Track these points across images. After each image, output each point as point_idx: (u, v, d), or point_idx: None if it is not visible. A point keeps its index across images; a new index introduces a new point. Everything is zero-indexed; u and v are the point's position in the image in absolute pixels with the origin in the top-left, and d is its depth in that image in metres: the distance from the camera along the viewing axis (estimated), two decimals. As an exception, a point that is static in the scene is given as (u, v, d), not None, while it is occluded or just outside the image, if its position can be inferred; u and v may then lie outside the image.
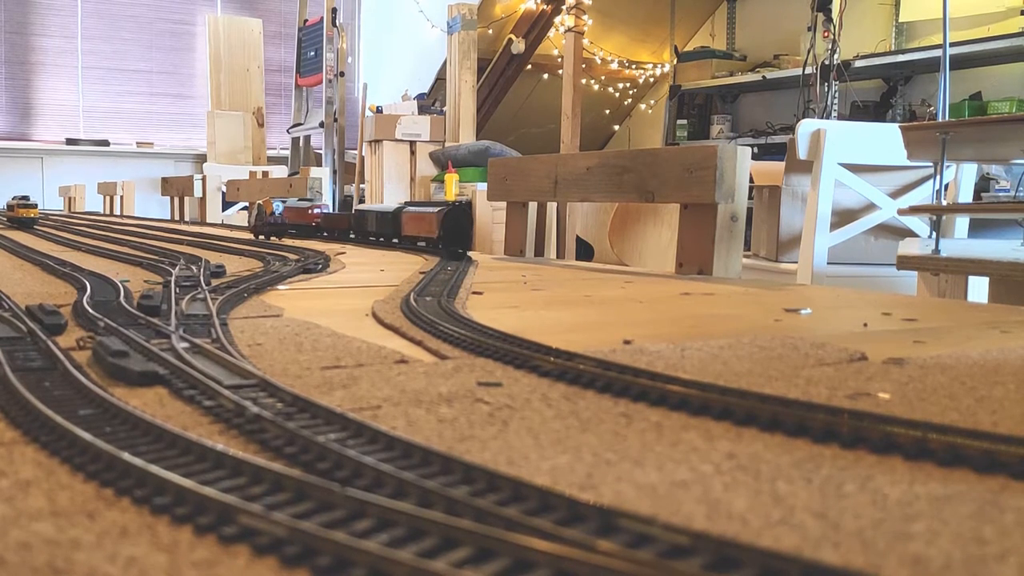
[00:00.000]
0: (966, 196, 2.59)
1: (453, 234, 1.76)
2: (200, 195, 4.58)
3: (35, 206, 2.96)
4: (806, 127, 2.52)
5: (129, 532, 0.35)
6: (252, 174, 5.71)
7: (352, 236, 2.18)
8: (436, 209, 1.84)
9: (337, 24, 6.23)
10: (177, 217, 4.88)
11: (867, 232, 2.65)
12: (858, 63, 5.11)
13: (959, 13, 4.45)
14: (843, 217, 2.59)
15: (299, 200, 2.46)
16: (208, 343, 0.70)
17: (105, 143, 7.12)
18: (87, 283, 1.08)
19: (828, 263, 2.50)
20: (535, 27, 6.07)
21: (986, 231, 2.94)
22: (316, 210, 2.25)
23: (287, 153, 7.08)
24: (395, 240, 1.99)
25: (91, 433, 0.45)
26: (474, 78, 5.79)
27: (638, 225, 3.22)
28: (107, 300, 0.97)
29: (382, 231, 2.03)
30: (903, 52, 5.12)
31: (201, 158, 7.07)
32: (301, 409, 0.51)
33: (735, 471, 0.44)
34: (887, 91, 5.38)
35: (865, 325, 0.97)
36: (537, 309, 1.10)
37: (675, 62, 6.58)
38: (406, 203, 1.82)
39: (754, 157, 2.12)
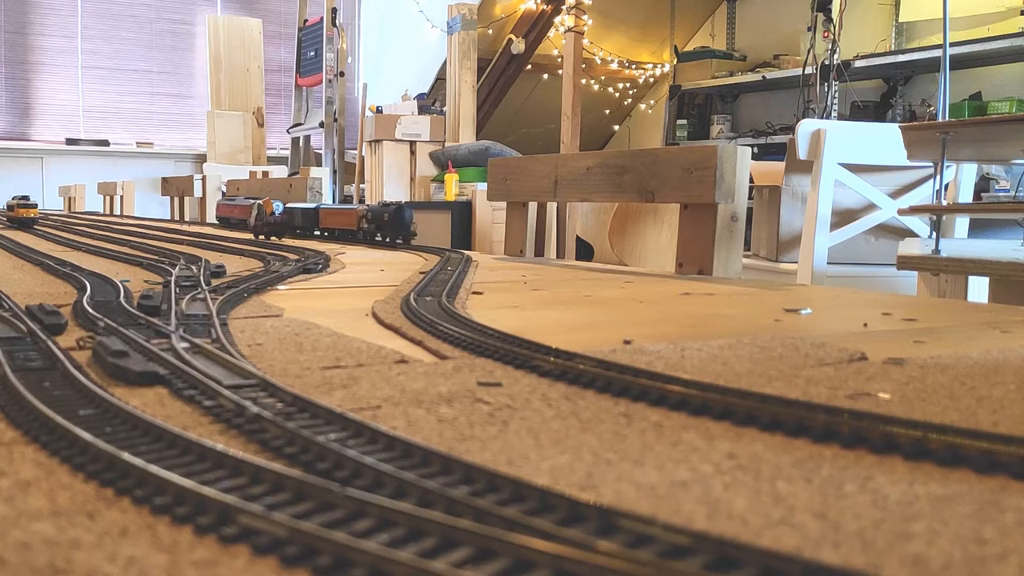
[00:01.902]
0: (966, 196, 2.59)
1: (392, 226, 2.12)
2: (200, 195, 4.58)
3: (35, 206, 2.96)
4: (806, 127, 2.52)
5: (129, 532, 0.35)
6: (252, 174, 5.71)
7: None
8: (357, 207, 2.28)
9: (337, 24, 6.23)
10: (177, 217, 4.88)
11: (867, 232, 2.65)
12: (858, 63, 5.11)
13: (959, 13, 4.45)
14: (843, 217, 2.59)
15: (244, 198, 3.03)
16: (208, 343, 0.70)
17: (105, 143, 7.12)
18: (87, 283, 1.08)
19: (828, 263, 2.50)
20: (535, 27, 6.07)
21: (986, 231, 2.94)
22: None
23: (287, 153, 7.08)
24: (316, 232, 2.43)
25: (91, 433, 0.45)
26: (474, 78, 5.79)
27: (638, 225, 3.22)
28: (107, 300, 0.97)
29: (306, 224, 2.46)
30: (903, 52, 5.12)
31: (201, 158, 7.07)
32: (301, 409, 0.51)
33: (735, 471, 0.44)
34: (887, 91, 5.38)
35: (865, 325, 0.97)
36: (537, 309, 1.10)
37: (675, 62, 6.58)
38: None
39: (754, 157, 2.12)
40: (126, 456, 0.41)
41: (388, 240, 2.13)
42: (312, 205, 2.45)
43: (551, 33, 6.03)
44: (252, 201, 2.78)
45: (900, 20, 5.34)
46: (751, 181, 1.90)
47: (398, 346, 0.78)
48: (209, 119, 6.97)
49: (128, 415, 0.49)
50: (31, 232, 2.66)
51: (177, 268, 1.31)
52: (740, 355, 0.74)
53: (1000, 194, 4.15)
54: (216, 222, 3.22)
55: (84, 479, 0.41)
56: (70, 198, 6.10)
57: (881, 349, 0.78)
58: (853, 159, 2.51)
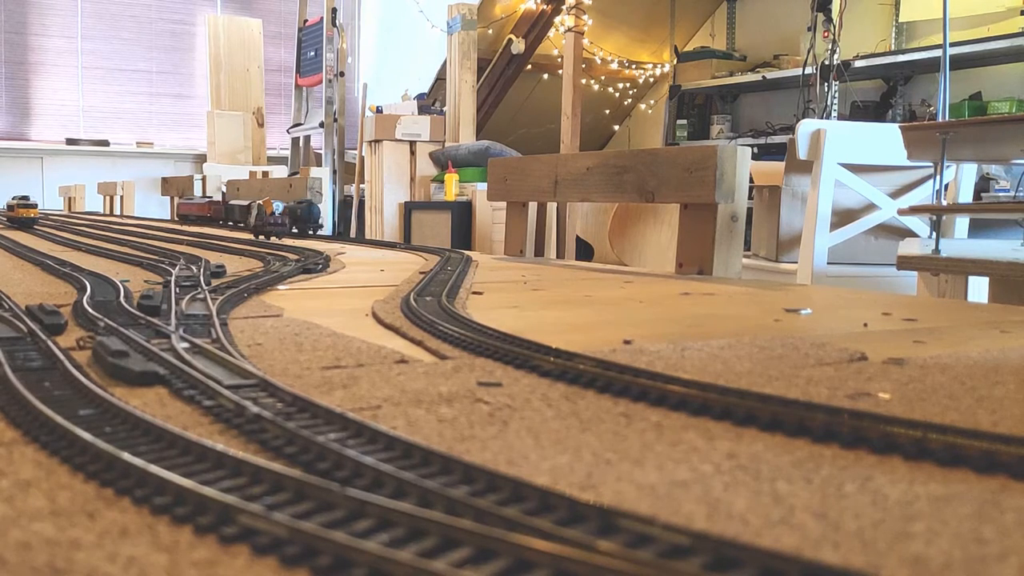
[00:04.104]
0: (966, 196, 2.59)
1: (304, 220, 2.43)
2: (200, 195, 4.58)
3: (35, 206, 2.96)
4: (806, 127, 2.52)
5: (129, 532, 0.35)
6: (252, 174, 5.71)
7: (225, 222, 3.08)
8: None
9: (337, 24, 6.22)
10: (177, 217, 4.88)
11: (867, 232, 2.65)
12: (858, 63, 5.11)
13: (959, 13, 4.45)
14: (843, 217, 2.59)
15: (201, 197, 3.67)
16: (208, 343, 0.70)
17: (105, 143, 7.12)
18: (87, 283, 1.08)
19: (828, 263, 2.50)
20: (535, 27, 6.07)
21: (986, 231, 2.94)
22: (209, 203, 3.24)
23: (287, 153, 7.08)
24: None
25: (91, 433, 0.45)
26: (474, 78, 5.79)
27: (638, 225, 3.22)
28: (107, 300, 0.97)
29: (243, 218, 2.82)
30: (903, 52, 5.12)
31: (201, 158, 7.07)
32: (301, 409, 0.51)
33: (735, 471, 0.44)
34: (887, 91, 5.38)
35: (865, 325, 0.97)
36: (537, 309, 1.10)
37: (675, 62, 6.57)
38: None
39: (754, 157, 2.12)
40: (126, 456, 0.41)
41: (300, 231, 2.50)
42: (246, 202, 2.85)
43: (551, 33, 6.03)
44: (207, 199, 3.39)
45: (900, 20, 5.33)
46: (751, 181, 1.90)
47: (398, 346, 0.78)
48: (209, 119, 6.96)
49: (128, 415, 0.49)
50: (31, 232, 2.66)
51: (177, 268, 1.31)
52: (740, 355, 0.74)
53: (1000, 194, 4.15)
54: (178, 218, 3.76)
55: (84, 479, 0.41)
56: (70, 198, 6.09)
57: (881, 349, 0.78)
58: (853, 159, 2.51)
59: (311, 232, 2.50)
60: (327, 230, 5.30)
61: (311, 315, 0.95)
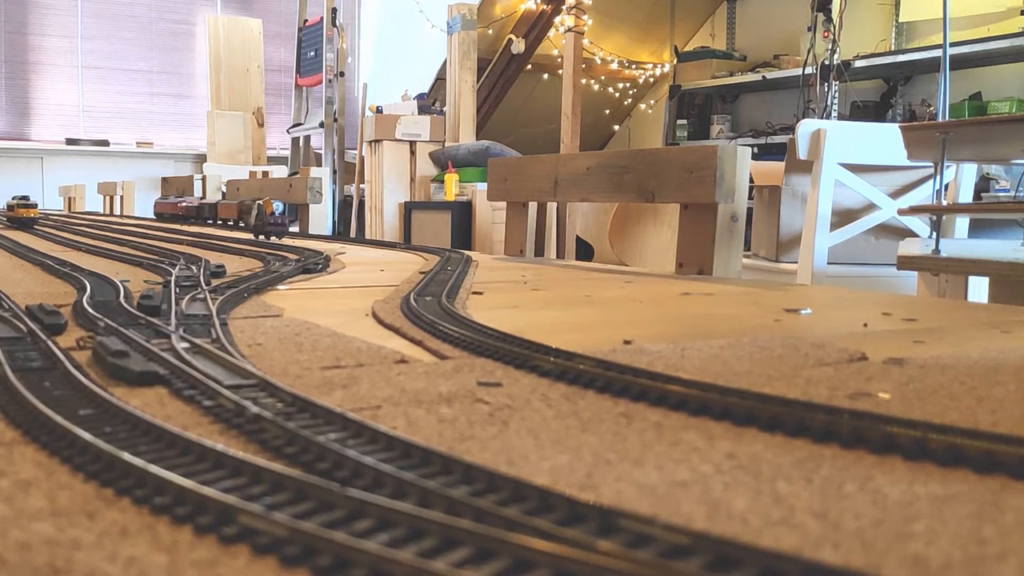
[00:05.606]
0: (966, 196, 2.59)
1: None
2: (200, 195, 4.58)
3: (35, 206, 2.96)
4: (806, 127, 2.52)
5: (129, 532, 0.35)
6: (252, 174, 5.71)
7: (195, 219, 3.36)
8: (239, 202, 2.85)
9: (337, 24, 6.22)
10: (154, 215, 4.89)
11: (867, 232, 2.65)
12: (858, 63, 5.11)
13: (959, 13, 4.45)
14: (843, 217, 2.59)
15: (176, 196, 3.99)
16: (208, 343, 0.70)
17: (105, 143, 7.12)
18: (87, 283, 1.08)
19: (828, 263, 2.50)
20: (535, 27, 6.07)
21: (986, 231, 2.94)
22: (181, 203, 3.55)
23: (287, 153, 7.08)
24: (217, 221, 3.14)
25: (91, 433, 0.45)
26: (474, 78, 5.78)
27: (638, 225, 3.22)
28: (107, 300, 0.97)
29: (210, 215, 3.21)
30: (903, 52, 5.12)
31: (201, 158, 7.07)
32: (301, 409, 0.51)
33: (735, 471, 0.44)
34: (887, 91, 5.38)
35: (865, 325, 0.97)
36: (537, 309, 1.10)
37: (675, 62, 6.57)
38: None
39: (754, 157, 2.12)
40: (126, 456, 0.41)
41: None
42: (214, 200, 3.25)
43: (551, 33, 6.02)
44: (179, 199, 3.70)
45: (900, 20, 5.33)
46: (751, 181, 1.90)
47: (398, 346, 0.78)
48: (209, 119, 6.96)
49: (128, 415, 0.49)
50: (31, 232, 2.66)
51: (177, 268, 1.31)
52: (740, 355, 0.74)
53: (1000, 194, 4.15)
54: (155, 216, 4.02)
55: (84, 479, 0.41)
56: (70, 198, 6.09)
57: (881, 349, 0.78)
58: (853, 159, 2.51)
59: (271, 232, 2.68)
60: (327, 230, 5.30)
61: (311, 315, 0.95)
